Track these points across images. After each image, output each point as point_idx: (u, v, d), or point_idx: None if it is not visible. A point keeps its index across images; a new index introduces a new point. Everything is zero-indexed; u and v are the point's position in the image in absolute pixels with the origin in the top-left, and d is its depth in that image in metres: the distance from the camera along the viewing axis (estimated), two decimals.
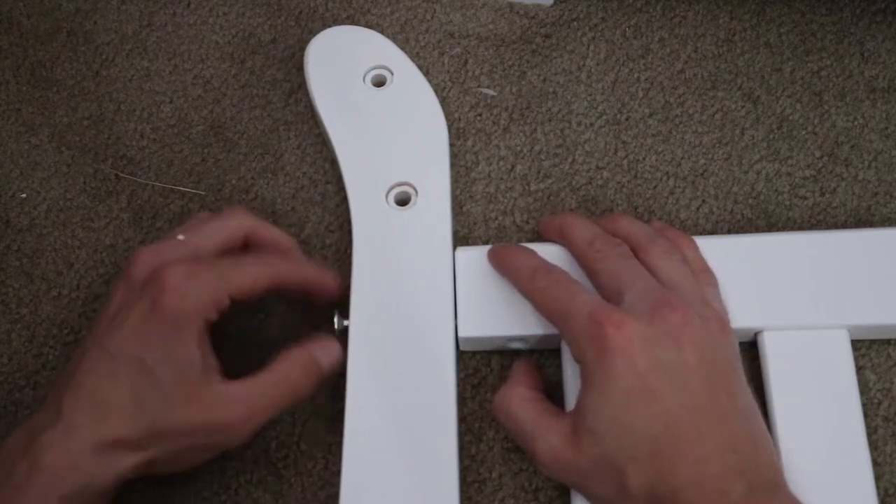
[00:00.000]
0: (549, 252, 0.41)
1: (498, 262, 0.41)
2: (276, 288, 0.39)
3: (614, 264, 0.38)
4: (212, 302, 0.36)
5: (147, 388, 0.35)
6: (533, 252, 0.41)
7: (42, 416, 0.35)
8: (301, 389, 0.38)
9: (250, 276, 0.38)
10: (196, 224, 0.40)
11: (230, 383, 0.37)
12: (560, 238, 0.42)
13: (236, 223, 0.40)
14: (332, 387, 0.42)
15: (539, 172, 0.47)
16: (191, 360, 0.36)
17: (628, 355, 0.33)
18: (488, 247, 0.43)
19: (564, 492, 0.39)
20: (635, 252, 0.39)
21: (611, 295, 0.37)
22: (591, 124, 0.48)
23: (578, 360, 0.35)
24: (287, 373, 0.37)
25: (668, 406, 0.33)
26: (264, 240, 0.41)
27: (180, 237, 0.39)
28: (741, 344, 0.41)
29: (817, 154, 0.46)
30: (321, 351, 0.39)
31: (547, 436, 0.35)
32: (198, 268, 0.37)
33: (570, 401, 0.39)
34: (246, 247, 0.41)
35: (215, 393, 0.36)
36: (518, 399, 0.37)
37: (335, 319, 0.41)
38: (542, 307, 0.38)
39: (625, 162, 0.47)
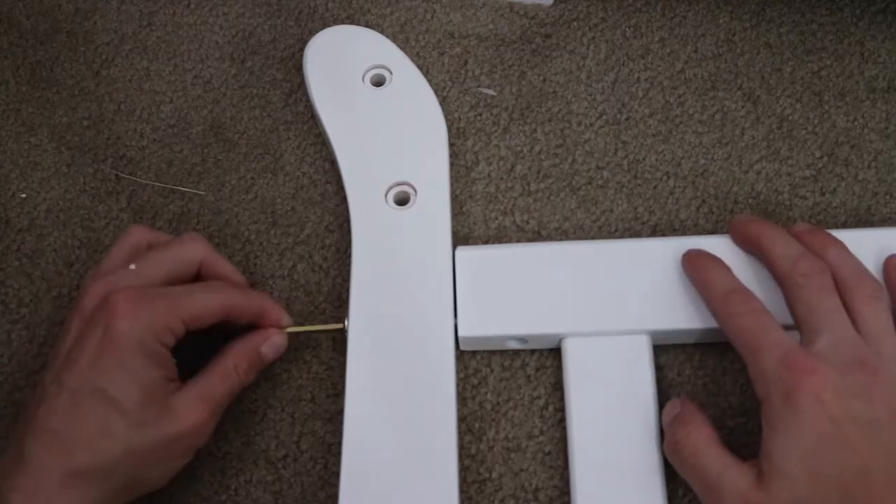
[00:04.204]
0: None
1: (692, 269, 0.40)
2: (227, 316, 0.39)
3: (816, 298, 0.37)
4: (165, 326, 0.36)
5: (113, 416, 0.35)
6: (728, 269, 0.40)
7: (6, 463, 0.35)
8: (248, 380, 0.40)
9: (202, 302, 0.38)
10: (148, 253, 0.40)
11: (187, 387, 0.37)
12: (755, 249, 0.40)
13: (190, 255, 0.40)
14: (332, 386, 0.42)
15: (539, 172, 0.47)
16: (153, 381, 0.36)
17: (820, 402, 0.33)
18: (488, 246, 0.43)
19: (564, 492, 0.39)
20: (839, 287, 0.37)
21: (804, 328, 0.36)
22: (591, 124, 0.48)
23: (761, 398, 0.35)
24: (235, 365, 0.39)
25: (862, 455, 0.33)
26: (216, 274, 0.41)
27: (132, 266, 0.39)
28: None
29: (817, 154, 0.46)
30: (265, 344, 0.40)
31: (735, 479, 0.34)
32: (148, 294, 0.37)
33: (571, 401, 0.39)
34: (198, 277, 0.41)
35: (179, 401, 0.37)
36: (704, 440, 0.36)
37: (345, 323, 0.41)
38: (730, 333, 0.37)
39: (625, 162, 0.47)
